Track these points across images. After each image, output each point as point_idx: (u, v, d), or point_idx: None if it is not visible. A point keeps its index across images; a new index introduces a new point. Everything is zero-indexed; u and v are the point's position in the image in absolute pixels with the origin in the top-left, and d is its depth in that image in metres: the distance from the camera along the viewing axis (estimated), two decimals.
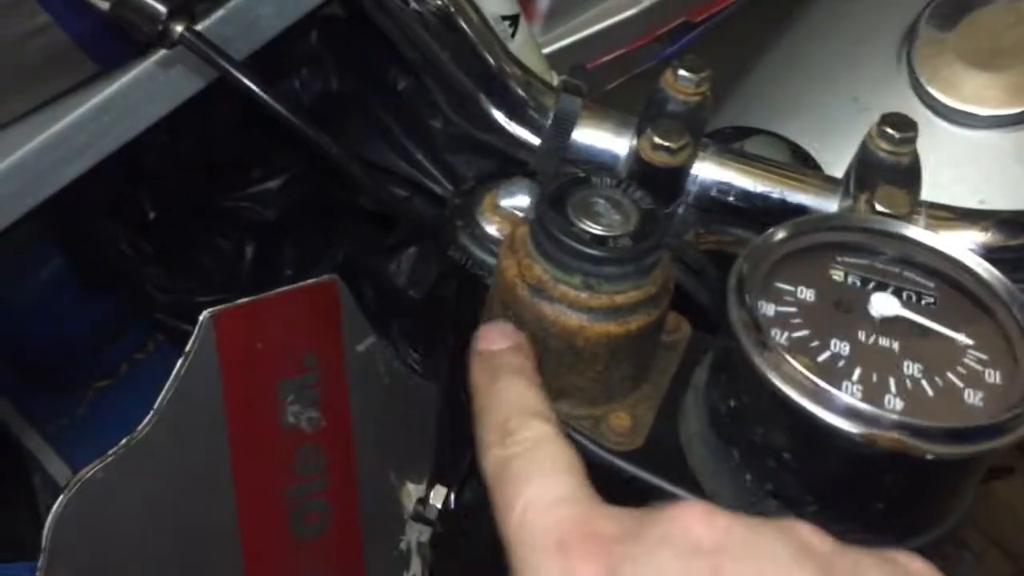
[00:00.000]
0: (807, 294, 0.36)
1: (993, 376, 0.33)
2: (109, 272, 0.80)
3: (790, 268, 0.36)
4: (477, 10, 0.49)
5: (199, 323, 0.61)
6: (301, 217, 0.80)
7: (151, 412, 0.61)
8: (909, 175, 0.45)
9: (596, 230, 0.36)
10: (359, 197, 0.78)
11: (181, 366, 0.61)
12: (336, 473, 0.78)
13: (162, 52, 0.53)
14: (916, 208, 0.45)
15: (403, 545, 0.88)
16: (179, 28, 0.48)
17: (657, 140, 0.45)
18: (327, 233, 0.82)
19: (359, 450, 0.79)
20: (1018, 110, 0.54)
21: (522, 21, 0.68)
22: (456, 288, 0.47)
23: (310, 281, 0.69)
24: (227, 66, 0.48)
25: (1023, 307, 0.35)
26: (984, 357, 0.34)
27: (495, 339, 0.37)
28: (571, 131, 0.48)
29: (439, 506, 0.48)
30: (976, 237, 0.45)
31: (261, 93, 0.48)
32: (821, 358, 0.33)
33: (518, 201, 0.44)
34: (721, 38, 0.97)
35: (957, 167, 0.53)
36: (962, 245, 0.37)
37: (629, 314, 0.37)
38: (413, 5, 0.48)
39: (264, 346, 0.67)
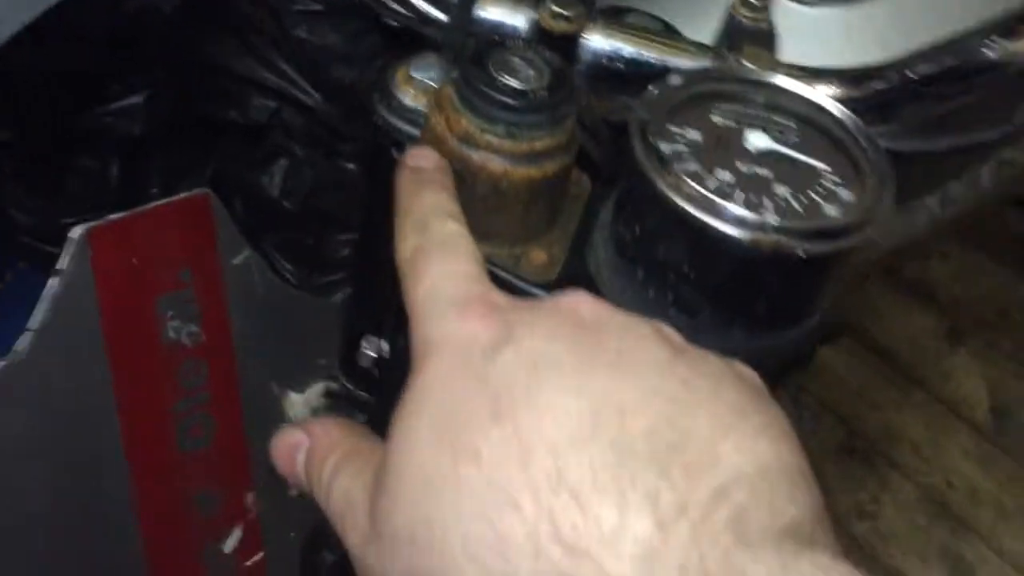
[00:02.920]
0: (694, 135, 0.41)
1: (846, 194, 0.40)
2: None
3: (678, 114, 0.41)
4: None
5: (71, 239, 0.58)
6: (168, 132, 0.76)
7: (25, 332, 0.57)
8: (768, 39, 0.52)
9: (516, 84, 0.41)
10: (228, 110, 0.75)
11: (53, 284, 0.58)
12: (219, 386, 0.76)
13: None
14: (776, 66, 0.51)
15: None
16: None
17: (555, 9, 0.49)
18: (195, 148, 0.78)
19: (240, 362, 0.78)
20: None
21: None
22: (370, 159, 0.50)
23: (182, 195, 0.66)
24: None
25: (868, 139, 0.41)
26: (838, 180, 0.40)
27: (423, 159, 0.41)
28: (474, 6, 0.51)
29: (374, 354, 0.51)
30: (826, 90, 0.50)
31: None
32: (711, 185, 0.38)
33: (429, 73, 0.47)
34: None
35: (799, 39, 0.58)
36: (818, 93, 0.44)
37: (546, 159, 0.42)
38: None
39: (139, 262, 0.64)
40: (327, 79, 0.74)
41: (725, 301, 0.39)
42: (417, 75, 0.47)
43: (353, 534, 0.33)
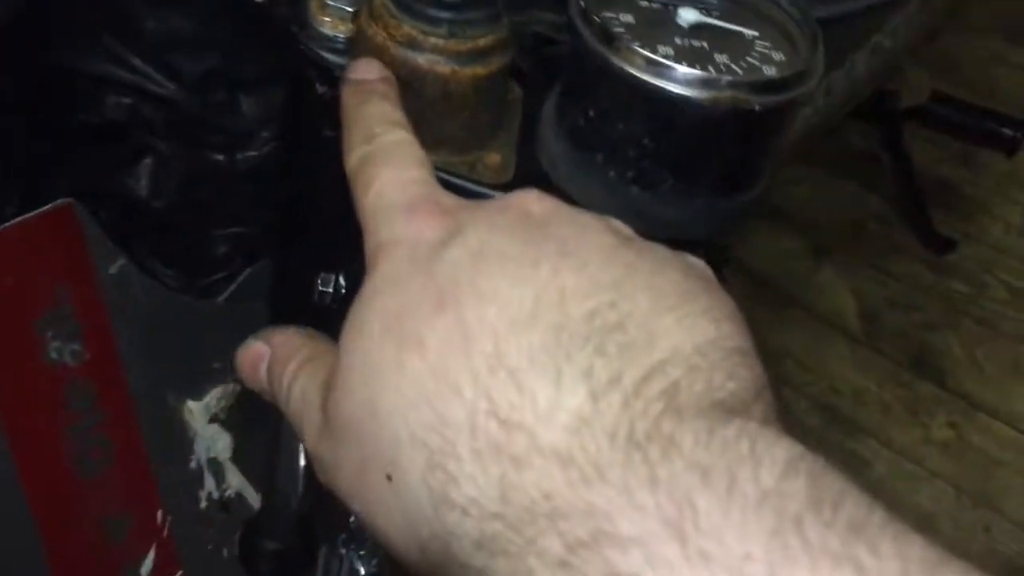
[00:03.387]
0: (627, 18, 0.42)
1: (779, 56, 0.41)
2: None
3: (608, 2, 0.42)
4: None
5: None
6: (14, 142, 0.71)
7: None
8: None
9: None
10: (80, 113, 0.70)
11: None
12: (111, 404, 0.73)
13: None
14: None
15: (193, 464, 0.84)
16: None
17: None
18: (51, 157, 0.74)
19: (131, 377, 0.74)
20: None
21: None
22: (293, 95, 0.50)
23: (45, 208, 0.62)
24: None
25: (789, 2, 0.43)
26: (768, 44, 0.42)
27: (365, 71, 0.40)
28: None
29: (331, 291, 0.51)
30: None
31: None
32: (659, 55, 0.40)
33: (342, 1, 0.46)
34: None
35: None
36: None
37: (490, 56, 0.42)
38: None
39: (11, 282, 0.60)
40: (183, 69, 0.71)
41: (686, 169, 0.40)
42: (332, 2, 0.46)
43: (309, 432, 0.34)
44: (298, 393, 0.35)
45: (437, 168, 0.41)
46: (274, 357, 0.37)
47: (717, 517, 0.24)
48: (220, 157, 0.82)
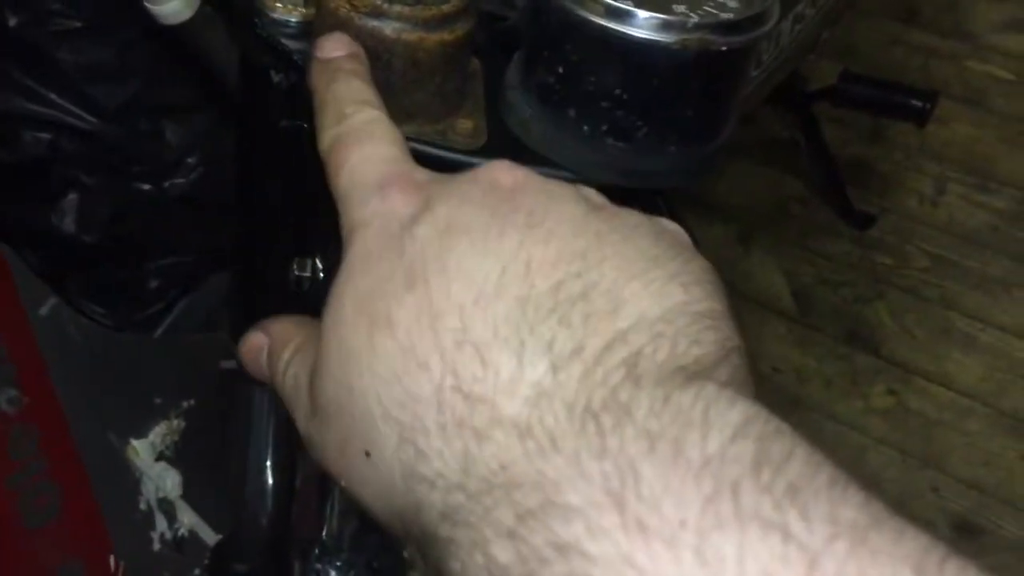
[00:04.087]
0: None
1: (733, 3, 0.41)
2: None
3: None
4: None
5: None
6: None
7: None
8: None
9: None
10: None
11: None
12: (54, 449, 0.70)
13: None
14: None
15: (142, 505, 0.82)
16: None
17: None
18: None
19: (72, 419, 0.72)
20: None
21: None
22: (248, 83, 0.49)
23: None
24: None
25: None
26: None
27: (332, 48, 0.40)
28: None
29: (308, 275, 0.50)
30: None
31: None
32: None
33: None
34: None
35: None
36: None
37: (455, 22, 0.42)
38: None
39: None
40: (103, 100, 0.69)
41: (659, 115, 0.41)
42: None
43: (299, 415, 0.34)
44: (291, 379, 0.35)
45: (410, 139, 0.41)
46: (271, 346, 0.37)
47: (659, 485, 0.24)
48: (148, 187, 0.80)
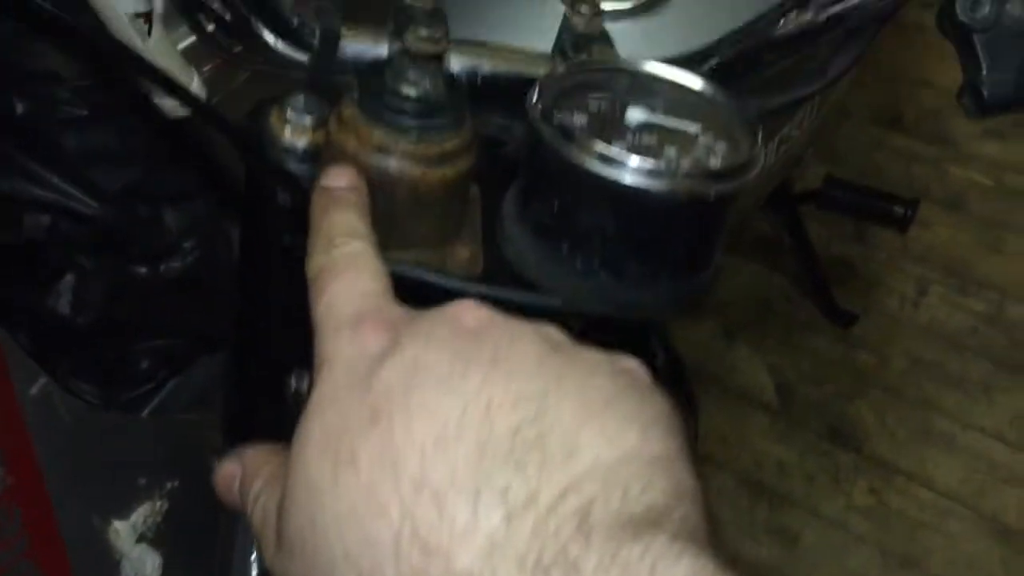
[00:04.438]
0: (580, 119, 0.44)
1: (722, 148, 0.44)
2: None
3: (562, 104, 0.44)
4: None
5: None
6: None
7: None
8: (605, 38, 0.55)
9: (419, 93, 0.43)
10: None
11: None
12: (36, 529, 0.69)
13: None
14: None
15: None
16: None
17: (424, 32, 0.51)
18: None
19: (55, 500, 0.71)
20: (631, 4, 0.67)
21: (156, 19, 0.65)
22: (254, 201, 0.51)
23: None
24: None
25: (725, 99, 0.46)
26: (711, 137, 0.44)
27: (336, 178, 0.41)
28: (337, 44, 0.52)
29: (305, 387, 0.51)
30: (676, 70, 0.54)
31: None
32: (616, 150, 0.42)
33: (302, 111, 0.48)
34: None
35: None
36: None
37: (456, 159, 0.44)
38: None
39: None
40: (104, 184, 0.70)
41: (649, 253, 0.42)
42: (292, 115, 0.48)
43: (266, 547, 0.34)
44: (260, 510, 0.35)
45: (410, 266, 0.43)
46: (243, 476, 0.37)
47: None
48: (144, 269, 0.80)
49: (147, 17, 0.68)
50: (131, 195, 0.73)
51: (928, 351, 1.68)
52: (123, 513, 0.81)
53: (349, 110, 0.43)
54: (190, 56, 0.77)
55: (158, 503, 0.84)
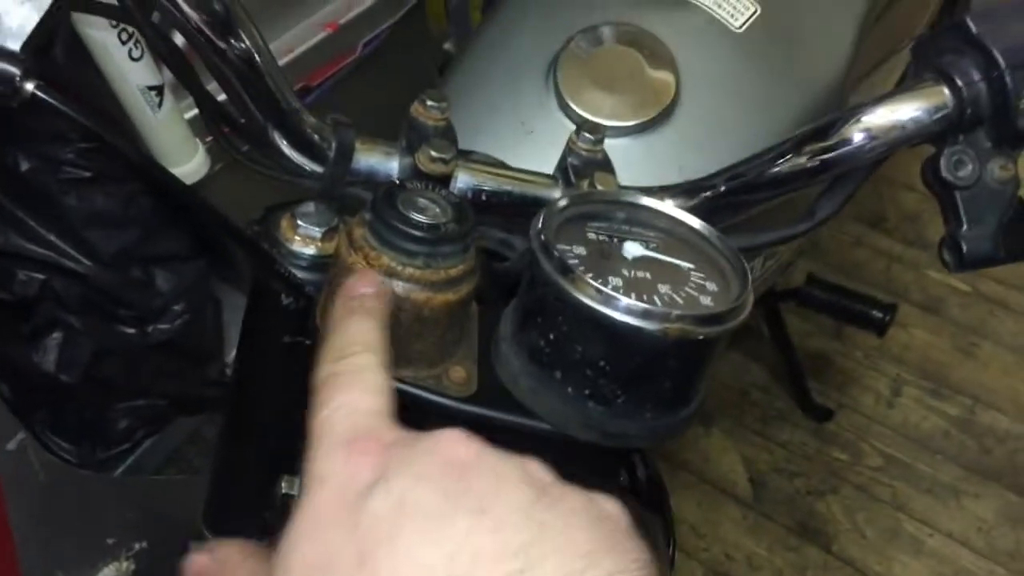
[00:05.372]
0: (580, 250, 0.45)
1: (712, 286, 0.45)
2: None
3: (562, 234, 0.45)
4: (270, 52, 0.51)
5: None
6: None
7: None
8: (607, 165, 0.57)
9: (429, 220, 0.44)
10: None
11: None
12: None
13: None
14: (621, 188, 0.56)
15: None
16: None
17: (434, 154, 0.52)
18: None
19: (23, 556, 0.69)
20: (633, 122, 0.69)
21: (167, 91, 0.66)
22: (259, 305, 0.51)
23: None
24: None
25: (718, 239, 0.47)
26: (703, 275, 0.46)
27: (362, 285, 0.42)
28: (351, 157, 0.53)
29: (294, 492, 0.50)
30: (669, 202, 0.55)
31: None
32: (611, 289, 0.43)
33: (312, 220, 0.49)
34: (344, 97, 0.98)
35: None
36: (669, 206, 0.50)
37: (460, 284, 0.45)
38: (224, 47, 0.49)
39: None
40: (100, 245, 0.70)
41: (637, 387, 0.43)
42: (302, 223, 0.49)
43: None
44: None
45: (406, 382, 0.44)
46: (215, 573, 0.37)
47: None
48: (131, 331, 0.80)
49: (159, 90, 0.69)
50: (126, 257, 0.73)
51: (900, 451, 1.68)
52: (88, 572, 0.79)
53: (360, 231, 0.44)
54: (196, 126, 0.78)
55: (124, 564, 0.82)
